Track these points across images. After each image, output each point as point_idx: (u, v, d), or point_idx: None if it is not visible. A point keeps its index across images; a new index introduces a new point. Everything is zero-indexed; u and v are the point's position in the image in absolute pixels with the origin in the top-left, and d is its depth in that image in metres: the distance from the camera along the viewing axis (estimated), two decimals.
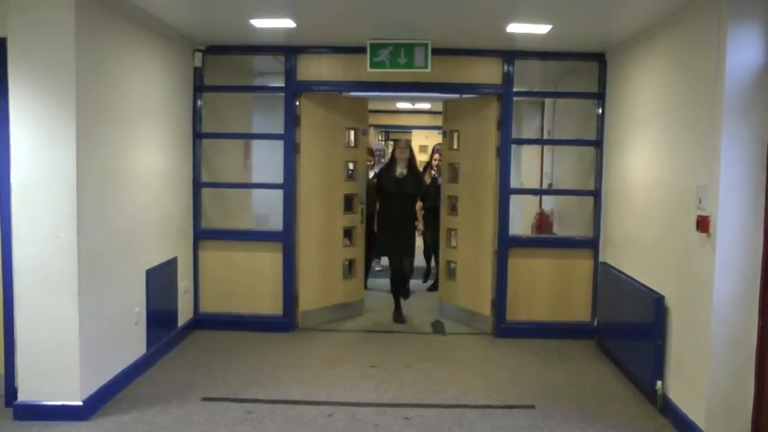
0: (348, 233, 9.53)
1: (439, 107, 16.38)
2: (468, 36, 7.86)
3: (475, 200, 9.15)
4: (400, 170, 9.41)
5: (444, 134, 9.74)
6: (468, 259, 9.31)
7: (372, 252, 11.20)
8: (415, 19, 7.19)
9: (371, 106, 17.30)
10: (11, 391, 6.00)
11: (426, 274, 12.09)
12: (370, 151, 11.30)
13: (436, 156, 11.11)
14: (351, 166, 9.51)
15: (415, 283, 10.57)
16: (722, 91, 5.29)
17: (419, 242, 10.80)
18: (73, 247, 5.76)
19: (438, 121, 17.78)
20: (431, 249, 11.51)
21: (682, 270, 6.02)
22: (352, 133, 9.44)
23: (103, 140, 6.25)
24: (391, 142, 18.01)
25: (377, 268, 12.68)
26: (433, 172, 11.14)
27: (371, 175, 10.67)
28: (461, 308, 9.34)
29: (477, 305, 9.10)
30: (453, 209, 9.57)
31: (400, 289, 9.67)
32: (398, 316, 9.49)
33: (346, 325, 9.13)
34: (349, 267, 9.58)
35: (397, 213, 9.43)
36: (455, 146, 9.53)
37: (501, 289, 8.66)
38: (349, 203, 9.47)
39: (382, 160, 11.21)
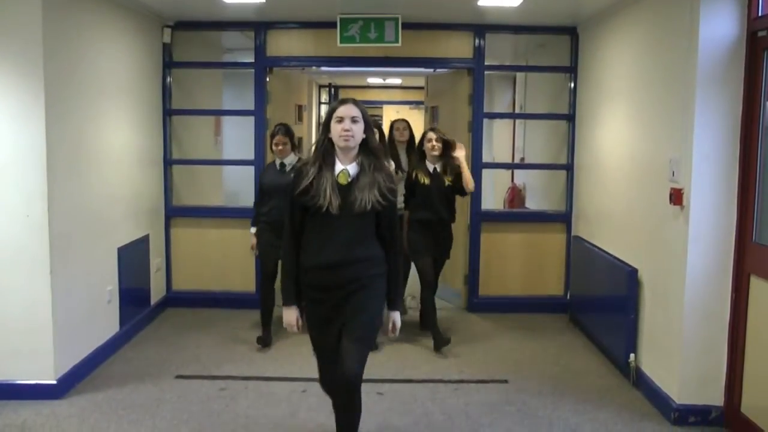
0: None
1: (411, 82, 16.52)
2: (438, 10, 7.83)
3: None
4: (343, 168, 4.40)
5: (426, 110, 9.71)
6: None
7: None
8: None
9: (342, 81, 17.44)
10: None
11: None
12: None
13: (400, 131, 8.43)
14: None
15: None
16: (695, 64, 5.29)
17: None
18: (44, 226, 5.69)
19: (410, 95, 17.94)
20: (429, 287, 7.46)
21: (656, 243, 6.04)
22: (299, 108, 9.37)
23: (73, 117, 6.16)
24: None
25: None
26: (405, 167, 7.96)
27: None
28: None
29: (451, 280, 9.12)
30: None
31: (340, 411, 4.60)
32: None
33: None
34: None
35: (337, 250, 4.39)
36: (435, 122, 9.53)
37: (474, 264, 8.66)
38: None
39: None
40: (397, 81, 16.32)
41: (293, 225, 4.50)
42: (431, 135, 7.37)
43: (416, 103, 17.88)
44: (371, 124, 4.50)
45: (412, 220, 7.41)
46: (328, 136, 4.41)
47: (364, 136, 4.40)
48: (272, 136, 7.26)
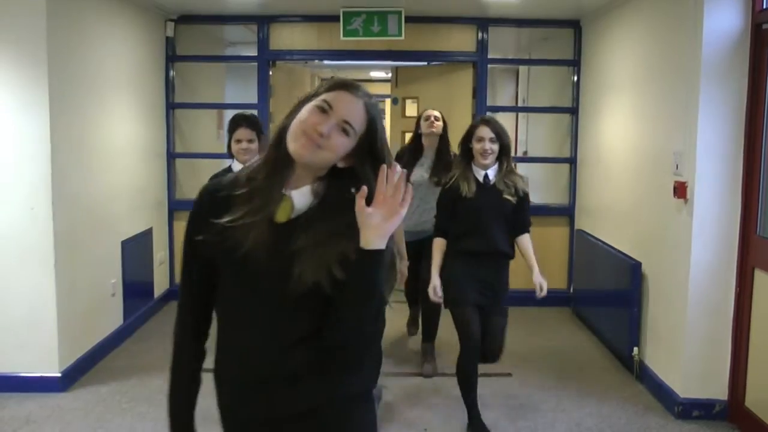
0: None
1: None
2: (442, 3, 7.83)
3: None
4: (285, 195, 2.16)
5: (395, 101, 9.63)
6: None
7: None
8: None
9: (344, 75, 17.42)
10: None
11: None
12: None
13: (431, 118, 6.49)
14: None
15: None
16: (699, 57, 5.28)
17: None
18: (48, 219, 5.69)
19: None
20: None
21: (659, 236, 6.04)
22: None
23: (76, 110, 6.16)
24: None
25: None
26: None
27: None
28: None
29: None
30: None
31: None
32: None
33: None
34: None
35: (260, 349, 2.26)
36: (409, 114, 9.46)
37: None
38: None
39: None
40: None
41: (190, 298, 2.45)
42: (483, 131, 5.02)
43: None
44: (380, 148, 2.19)
45: (450, 251, 5.23)
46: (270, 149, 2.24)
47: (344, 164, 2.18)
48: (231, 131, 5.10)
